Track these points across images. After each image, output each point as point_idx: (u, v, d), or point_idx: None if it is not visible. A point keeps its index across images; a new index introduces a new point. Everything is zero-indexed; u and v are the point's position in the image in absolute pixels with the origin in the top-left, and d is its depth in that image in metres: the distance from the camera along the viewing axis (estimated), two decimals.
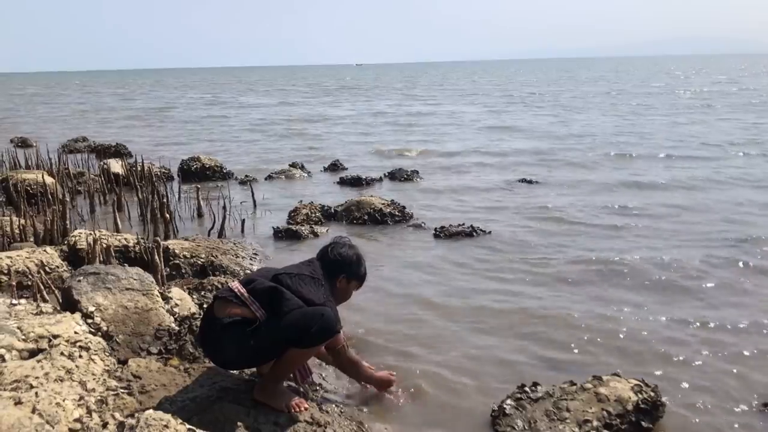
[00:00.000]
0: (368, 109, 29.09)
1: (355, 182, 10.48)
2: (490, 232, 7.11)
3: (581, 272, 5.83)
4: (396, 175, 10.91)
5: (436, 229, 7.23)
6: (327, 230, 7.44)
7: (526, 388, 3.56)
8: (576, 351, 4.30)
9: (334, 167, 12.19)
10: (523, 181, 10.42)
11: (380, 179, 10.84)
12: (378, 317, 4.88)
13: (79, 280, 4.13)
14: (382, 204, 7.97)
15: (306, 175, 11.52)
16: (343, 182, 10.64)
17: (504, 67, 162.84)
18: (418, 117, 24.10)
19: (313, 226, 7.51)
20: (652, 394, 3.39)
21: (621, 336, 4.48)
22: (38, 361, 3.23)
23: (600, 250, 6.46)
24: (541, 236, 7.07)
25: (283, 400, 3.17)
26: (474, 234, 7.03)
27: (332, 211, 8.15)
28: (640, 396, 3.36)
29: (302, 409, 3.14)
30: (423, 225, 7.62)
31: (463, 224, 7.27)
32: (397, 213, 7.83)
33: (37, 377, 3.03)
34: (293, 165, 11.99)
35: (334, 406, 3.41)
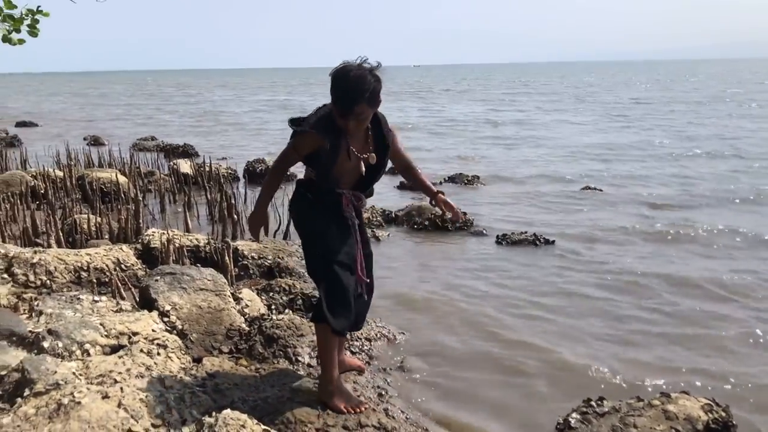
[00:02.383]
0: (439, 112, 29.10)
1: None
2: (553, 242, 7.04)
3: (647, 284, 5.74)
4: (456, 180, 10.90)
5: (498, 237, 7.22)
6: (388, 234, 7.52)
7: (592, 402, 3.54)
8: (642, 365, 4.24)
9: (394, 170, 12.24)
10: (589, 189, 10.27)
11: (440, 183, 10.86)
12: (441, 325, 4.91)
13: (156, 280, 4.31)
14: None
15: None
16: (402, 186, 10.70)
17: (569, 69, 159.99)
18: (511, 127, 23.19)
19: (374, 229, 7.59)
20: (723, 414, 3.32)
21: (691, 352, 4.40)
22: (120, 357, 3.41)
23: (671, 262, 6.34)
24: (610, 246, 6.97)
25: (341, 400, 3.22)
26: (537, 243, 6.98)
27: (393, 215, 8.23)
28: (710, 416, 3.29)
29: (361, 410, 3.20)
30: (484, 232, 7.62)
31: (526, 232, 7.24)
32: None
33: (120, 372, 3.19)
34: None
35: (399, 411, 3.47)
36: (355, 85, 2.89)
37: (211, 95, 50.99)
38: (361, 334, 4.39)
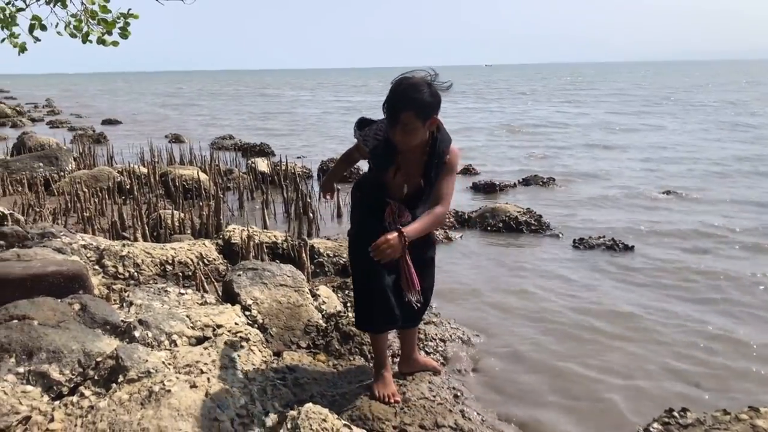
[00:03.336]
0: (522, 113, 28.78)
1: (489, 188, 10.45)
2: (632, 247, 6.84)
3: (731, 293, 5.51)
4: (531, 182, 10.76)
5: (574, 241, 7.08)
6: (461, 236, 7.50)
7: (675, 413, 3.43)
8: (734, 377, 4.08)
9: (467, 171, 12.20)
10: (669, 192, 9.93)
11: (514, 185, 10.74)
12: (515, 328, 4.86)
13: (239, 275, 4.45)
14: (518, 212, 7.91)
15: None
16: (475, 187, 10.64)
17: (636, 69, 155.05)
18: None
19: (447, 231, 7.58)
20: None
21: None
22: (205, 348, 3.53)
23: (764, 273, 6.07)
24: (693, 255, 6.72)
25: (379, 386, 3.32)
26: (616, 248, 6.80)
27: (466, 216, 8.19)
28: None
29: (391, 401, 3.25)
30: (560, 235, 7.49)
31: (604, 236, 7.07)
32: (533, 222, 7.73)
33: (205, 363, 3.31)
34: None
35: (475, 413, 3.46)
36: (405, 93, 2.84)
37: (288, 95, 52.00)
38: (436, 334, 4.40)
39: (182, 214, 7.38)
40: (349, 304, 4.85)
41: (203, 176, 9.97)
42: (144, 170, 10.23)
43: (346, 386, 3.48)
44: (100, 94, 58.79)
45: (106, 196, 8.46)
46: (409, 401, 3.33)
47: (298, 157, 13.48)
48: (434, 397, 3.48)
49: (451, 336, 4.46)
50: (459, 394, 3.70)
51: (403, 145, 2.97)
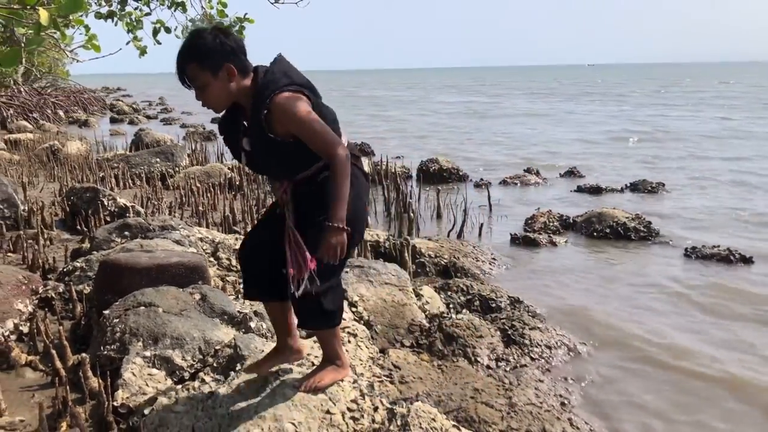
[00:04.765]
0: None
1: (594, 191, 10.17)
2: (752, 259, 6.44)
3: None
4: (639, 187, 10.37)
5: (686, 249, 6.77)
6: (566, 241, 7.33)
7: None
8: None
9: (571, 174, 11.92)
10: None
11: (621, 190, 10.39)
12: (621, 340, 4.71)
13: (347, 271, 4.55)
14: (626, 217, 7.65)
15: (541, 181, 11.42)
16: (581, 191, 10.38)
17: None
18: None
19: (551, 235, 7.44)
20: None
21: None
22: (315, 342, 3.64)
23: None
24: None
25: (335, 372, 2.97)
26: (731, 259, 6.43)
27: (571, 221, 8.01)
28: None
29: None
30: (670, 243, 7.18)
31: (719, 246, 6.71)
32: (642, 228, 7.45)
33: (316, 356, 3.41)
34: (528, 170, 11.95)
35: (583, 422, 3.39)
36: (185, 44, 2.44)
37: (388, 95, 52.51)
38: (541, 340, 4.33)
39: None
40: (451, 305, 4.87)
41: None
42: None
43: (452, 387, 3.50)
44: None
45: (218, 192, 8.87)
46: (515, 406, 3.31)
47: (396, 157, 13.59)
48: (541, 403, 3.44)
49: (556, 343, 4.38)
50: (566, 402, 3.64)
51: (209, 106, 2.51)
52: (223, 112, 2.61)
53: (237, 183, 9.73)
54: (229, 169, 10.37)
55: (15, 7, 2.47)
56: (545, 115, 27.67)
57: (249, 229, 6.87)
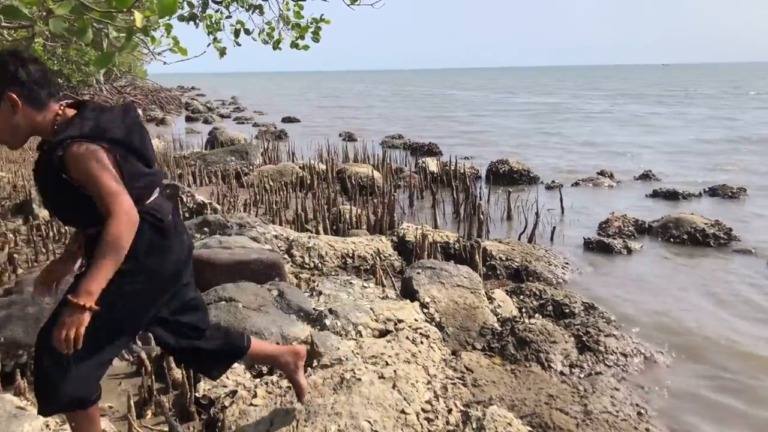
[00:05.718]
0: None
1: (670, 196, 9.84)
2: None
3: None
4: (718, 192, 9.98)
5: None
6: (641, 246, 7.13)
7: None
8: None
9: (646, 177, 11.58)
10: None
11: (699, 195, 10.03)
12: (698, 350, 4.56)
13: (418, 273, 4.58)
14: (705, 223, 7.38)
15: (615, 184, 11.14)
16: (656, 195, 10.06)
17: None
18: None
19: (626, 240, 7.26)
20: None
21: None
22: (388, 341, 3.68)
23: None
24: None
25: None
26: None
27: (647, 226, 7.78)
28: None
29: None
30: (752, 251, 6.88)
31: None
32: (722, 235, 7.17)
33: (390, 356, 3.45)
34: (601, 173, 11.68)
35: None
36: None
37: (455, 95, 52.33)
38: (617, 348, 4.24)
39: (358, 210, 7.71)
40: (524, 309, 4.82)
41: (376, 174, 10.34)
42: (323, 167, 10.79)
43: (525, 392, 3.47)
44: (277, 93, 62.71)
45: (290, 190, 9.05)
46: (591, 414, 3.26)
47: (465, 158, 13.53)
48: (617, 412, 3.37)
49: (632, 351, 4.28)
50: (642, 411, 3.55)
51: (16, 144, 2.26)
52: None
53: (308, 182, 9.90)
54: (300, 168, 10.56)
55: (111, 10, 2.59)
56: (620, 117, 26.97)
57: (320, 227, 7.01)
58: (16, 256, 5.56)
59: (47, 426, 2.85)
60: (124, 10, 2.44)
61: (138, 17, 2.30)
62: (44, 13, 2.19)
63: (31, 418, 2.81)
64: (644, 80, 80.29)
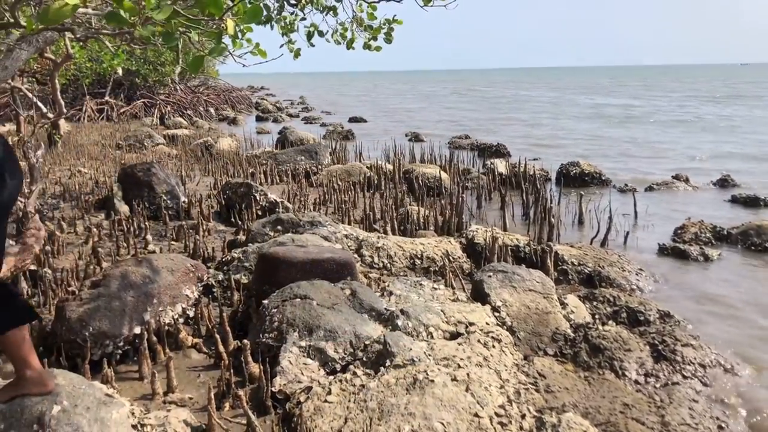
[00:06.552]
0: None
1: (751, 202, 9.44)
2: None
3: None
4: None
5: None
6: (719, 254, 6.88)
7: None
8: None
9: (724, 182, 11.14)
10: None
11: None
12: None
13: (490, 276, 4.56)
14: None
15: (691, 188, 10.78)
16: (735, 200, 9.67)
17: None
18: None
19: (702, 247, 7.01)
20: None
21: None
22: (459, 344, 3.68)
23: None
24: None
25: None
26: None
27: (725, 232, 7.49)
28: None
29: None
30: None
31: None
32: None
33: (462, 359, 3.46)
34: (677, 177, 11.31)
35: None
36: None
37: (521, 95, 51.61)
38: (695, 358, 4.11)
39: (426, 211, 7.72)
40: (597, 316, 4.73)
41: (444, 175, 10.32)
42: (390, 167, 10.85)
43: (599, 399, 3.41)
44: (343, 93, 63.30)
45: (358, 190, 9.14)
46: (668, 425, 3.18)
47: (534, 159, 13.35)
48: (696, 425, 3.28)
49: (711, 362, 4.14)
50: (723, 426, 3.44)
51: None
52: None
53: (376, 182, 9.97)
54: (368, 168, 10.65)
55: (203, 18, 2.69)
56: (698, 119, 26.03)
57: (388, 228, 7.05)
58: (99, 249, 5.83)
59: (133, 414, 2.98)
60: (217, 18, 2.53)
61: (230, 24, 2.38)
62: (142, 20, 2.30)
63: (118, 405, 2.94)
64: (723, 80, 77.14)
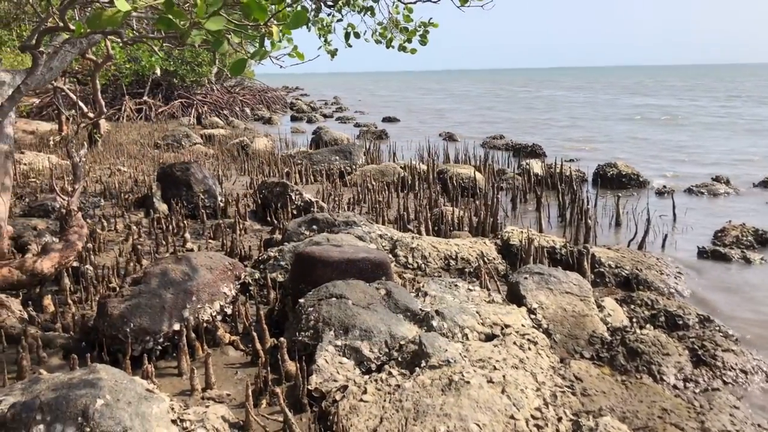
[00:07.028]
0: None
1: None
2: None
3: None
4: None
5: None
6: (762, 258, 6.72)
7: None
8: None
9: (766, 185, 10.89)
10: None
11: None
12: None
13: (526, 278, 4.53)
14: None
15: (731, 191, 10.55)
16: None
17: None
18: None
19: (744, 250, 6.86)
20: None
21: None
22: (495, 346, 3.67)
23: None
24: None
25: None
26: None
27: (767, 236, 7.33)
28: None
29: None
30: None
31: None
32: None
33: (497, 360, 3.45)
34: (717, 179, 11.08)
35: None
36: None
37: (555, 95, 51.08)
38: (736, 364, 4.03)
39: (460, 212, 7.70)
40: (635, 320, 4.67)
41: (478, 175, 10.28)
42: (423, 167, 10.85)
43: (637, 404, 3.37)
44: (376, 93, 63.37)
45: (392, 190, 9.16)
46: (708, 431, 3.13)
47: (570, 160, 13.21)
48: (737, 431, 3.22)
49: (753, 368, 4.06)
50: None
51: None
52: None
53: (409, 182, 9.97)
54: (401, 168, 10.66)
55: (249, 24, 2.73)
56: (740, 120, 25.46)
57: (422, 228, 7.05)
58: (139, 247, 5.95)
59: (172, 409, 3.04)
60: (262, 24, 2.57)
61: (275, 31, 2.42)
62: (192, 25, 2.35)
63: (158, 400, 3.00)
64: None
